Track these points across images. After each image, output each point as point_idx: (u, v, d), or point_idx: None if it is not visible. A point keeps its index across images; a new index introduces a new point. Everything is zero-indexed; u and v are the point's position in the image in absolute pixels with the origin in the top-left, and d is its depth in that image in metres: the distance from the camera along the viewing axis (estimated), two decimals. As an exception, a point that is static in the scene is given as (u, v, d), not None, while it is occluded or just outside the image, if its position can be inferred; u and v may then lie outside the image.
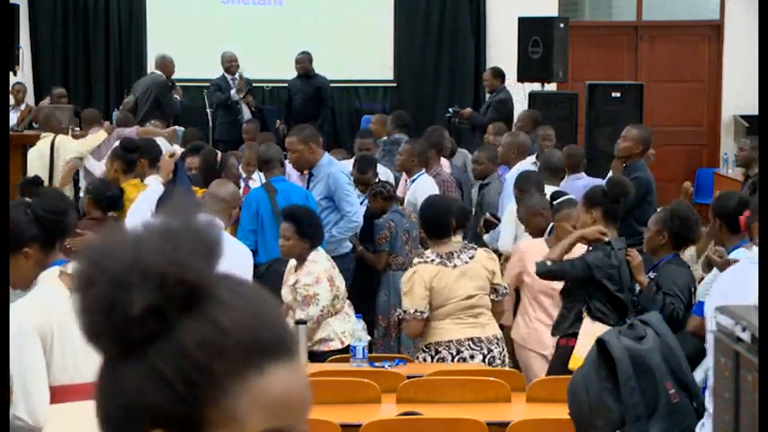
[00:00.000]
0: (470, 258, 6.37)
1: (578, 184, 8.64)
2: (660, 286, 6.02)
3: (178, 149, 8.57)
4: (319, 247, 6.64)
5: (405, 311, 6.36)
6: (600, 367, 4.49)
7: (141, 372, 1.24)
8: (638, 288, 6.09)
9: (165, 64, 13.76)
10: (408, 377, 5.72)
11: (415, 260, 6.54)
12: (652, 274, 6.15)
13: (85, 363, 3.92)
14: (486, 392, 5.55)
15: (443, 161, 9.99)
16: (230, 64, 13.95)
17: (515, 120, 11.44)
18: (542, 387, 5.58)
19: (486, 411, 5.25)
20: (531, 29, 12.95)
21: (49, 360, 3.91)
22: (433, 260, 6.36)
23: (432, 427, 5.04)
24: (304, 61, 14.04)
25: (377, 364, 6.15)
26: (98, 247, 1.28)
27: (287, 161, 8.66)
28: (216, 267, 1.29)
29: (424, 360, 6.36)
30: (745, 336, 3.39)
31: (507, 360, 6.47)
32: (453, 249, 6.42)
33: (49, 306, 3.92)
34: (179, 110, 13.73)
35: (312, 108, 13.82)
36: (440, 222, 6.52)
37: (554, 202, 7.09)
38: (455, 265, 6.33)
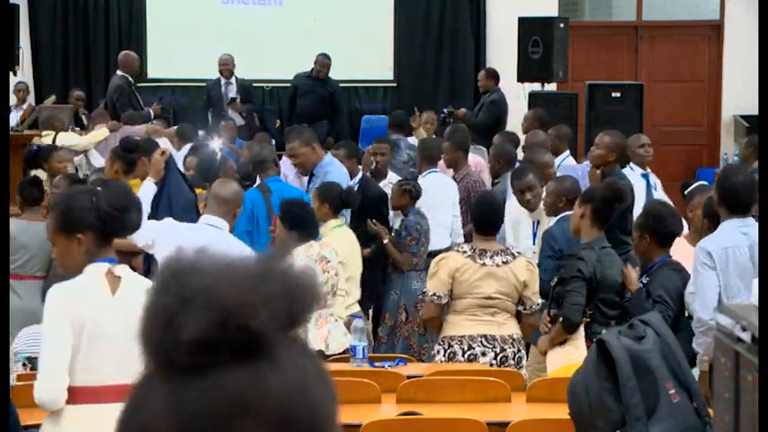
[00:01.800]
0: (504, 263, 6.32)
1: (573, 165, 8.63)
2: (650, 293, 6.00)
3: (169, 146, 8.56)
4: (313, 242, 6.59)
5: (425, 293, 6.54)
6: (600, 367, 4.48)
7: (167, 399, 1.18)
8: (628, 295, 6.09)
9: (127, 62, 13.08)
10: (408, 377, 5.72)
11: (453, 249, 6.65)
12: (645, 279, 6.13)
13: (110, 366, 3.89)
14: (486, 392, 5.54)
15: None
16: (222, 67, 13.79)
17: (522, 120, 11.39)
18: (542, 387, 5.58)
19: (486, 411, 5.24)
20: (531, 29, 12.95)
21: (75, 357, 3.87)
22: (465, 252, 6.40)
23: (432, 427, 5.04)
24: (325, 64, 13.81)
25: (377, 364, 6.14)
26: (190, 258, 1.23)
27: (282, 161, 8.67)
28: (294, 327, 1.21)
29: (438, 353, 6.39)
30: (746, 336, 3.39)
31: (524, 362, 6.38)
32: (491, 248, 6.39)
33: (87, 300, 3.89)
34: (147, 119, 12.43)
35: (322, 110, 13.74)
36: (485, 219, 6.51)
37: (686, 191, 7.15)
38: (484, 264, 6.32)
